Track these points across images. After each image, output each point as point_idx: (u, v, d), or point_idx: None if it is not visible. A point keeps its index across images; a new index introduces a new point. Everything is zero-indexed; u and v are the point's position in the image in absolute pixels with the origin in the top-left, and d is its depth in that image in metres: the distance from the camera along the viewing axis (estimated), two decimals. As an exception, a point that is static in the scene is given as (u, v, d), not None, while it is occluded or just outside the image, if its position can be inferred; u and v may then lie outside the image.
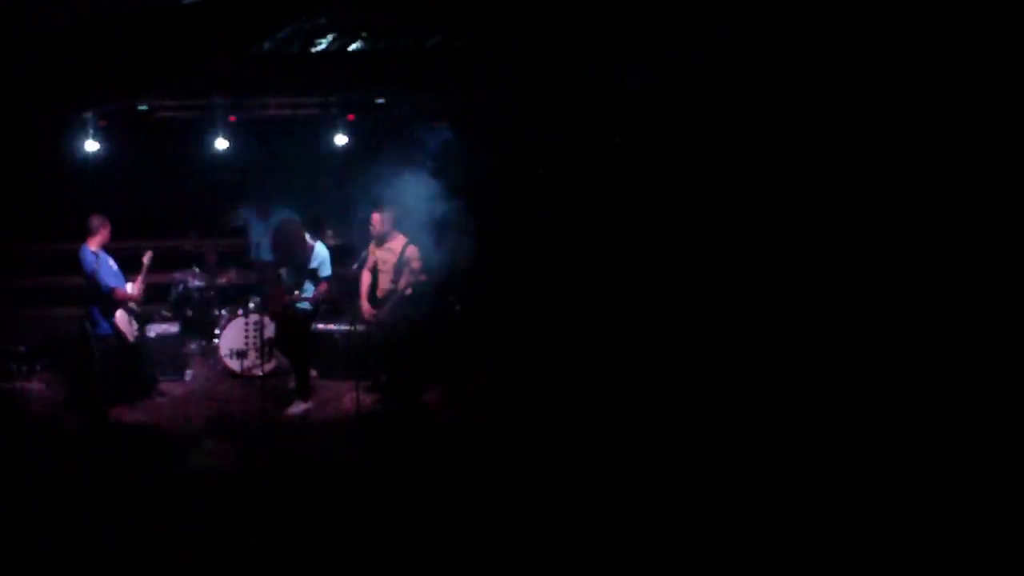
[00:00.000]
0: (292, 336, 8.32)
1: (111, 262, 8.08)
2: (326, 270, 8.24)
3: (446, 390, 8.45)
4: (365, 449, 6.97)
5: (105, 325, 7.95)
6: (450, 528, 5.61)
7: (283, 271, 8.19)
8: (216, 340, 9.12)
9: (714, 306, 6.86)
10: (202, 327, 9.44)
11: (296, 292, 8.08)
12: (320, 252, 8.22)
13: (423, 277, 8.45)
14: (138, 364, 8.35)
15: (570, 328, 8.19)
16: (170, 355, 8.99)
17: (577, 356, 8.01)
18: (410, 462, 6.59)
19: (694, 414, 6.63)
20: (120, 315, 8.03)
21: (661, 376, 7.14)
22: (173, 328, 9.09)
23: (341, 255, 9.83)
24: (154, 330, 8.92)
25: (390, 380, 8.49)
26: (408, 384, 8.38)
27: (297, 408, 8.17)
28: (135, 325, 8.23)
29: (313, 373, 8.64)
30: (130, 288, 8.15)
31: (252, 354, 8.51)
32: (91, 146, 9.03)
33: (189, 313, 9.46)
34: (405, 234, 8.47)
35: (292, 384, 8.50)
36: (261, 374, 8.28)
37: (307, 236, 8.21)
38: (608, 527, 5.55)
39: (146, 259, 8.38)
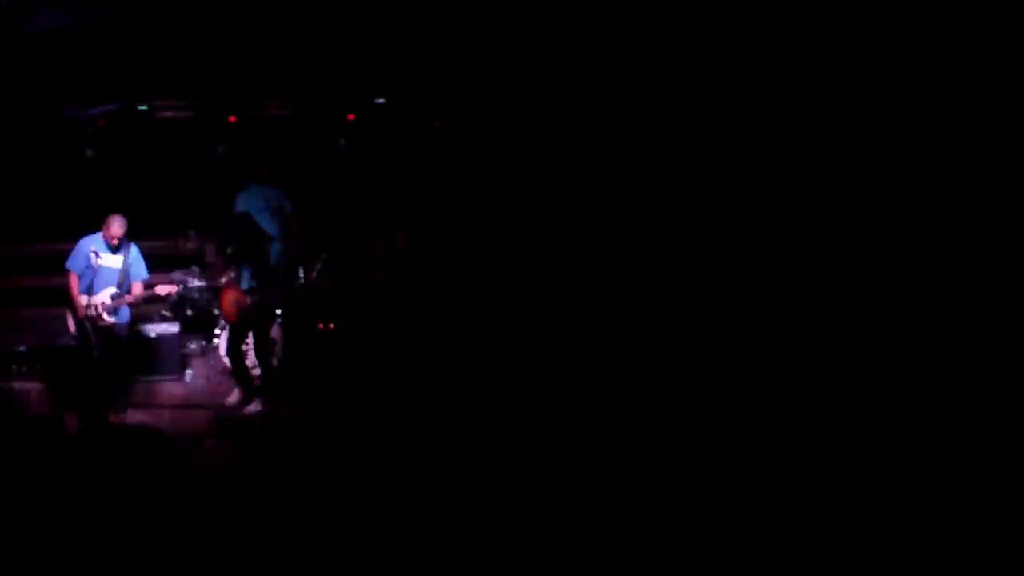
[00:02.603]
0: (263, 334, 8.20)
1: (109, 259, 7.81)
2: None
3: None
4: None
5: (124, 314, 7.84)
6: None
7: (244, 274, 8.03)
8: (216, 340, 9.11)
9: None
10: (202, 327, 9.44)
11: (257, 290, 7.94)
12: (276, 248, 8.09)
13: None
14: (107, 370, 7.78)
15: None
16: (170, 355, 8.98)
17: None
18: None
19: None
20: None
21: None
22: (173, 328, 9.07)
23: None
24: (154, 330, 8.91)
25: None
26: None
27: (255, 407, 8.10)
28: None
29: None
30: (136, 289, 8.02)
31: (252, 354, 8.50)
32: (91, 146, 9.04)
33: (189, 313, 9.46)
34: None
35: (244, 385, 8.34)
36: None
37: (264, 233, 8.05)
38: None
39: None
